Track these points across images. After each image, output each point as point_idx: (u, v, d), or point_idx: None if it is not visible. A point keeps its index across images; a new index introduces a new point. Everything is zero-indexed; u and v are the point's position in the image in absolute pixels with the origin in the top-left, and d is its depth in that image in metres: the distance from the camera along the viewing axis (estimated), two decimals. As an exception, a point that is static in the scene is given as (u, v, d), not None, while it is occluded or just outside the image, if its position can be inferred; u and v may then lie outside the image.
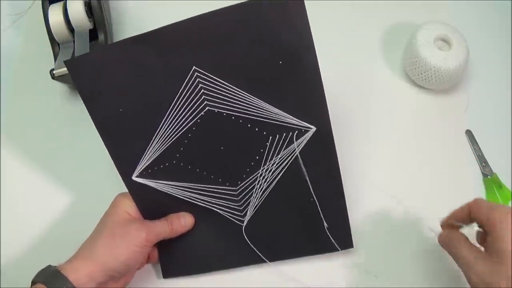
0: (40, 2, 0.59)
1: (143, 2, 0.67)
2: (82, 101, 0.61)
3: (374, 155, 0.58)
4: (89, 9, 0.59)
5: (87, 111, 0.61)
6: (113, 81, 0.47)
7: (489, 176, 0.57)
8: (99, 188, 0.58)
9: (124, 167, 0.49)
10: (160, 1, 0.67)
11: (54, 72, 0.56)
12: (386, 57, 0.63)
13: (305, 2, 0.65)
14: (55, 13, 0.58)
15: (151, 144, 0.49)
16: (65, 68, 0.55)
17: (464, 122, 0.60)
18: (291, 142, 0.49)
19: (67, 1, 0.58)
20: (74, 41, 0.59)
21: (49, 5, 0.59)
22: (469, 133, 0.59)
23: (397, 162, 0.58)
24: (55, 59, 0.59)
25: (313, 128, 0.48)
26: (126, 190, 0.51)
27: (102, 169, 0.58)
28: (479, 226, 0.42)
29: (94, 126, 0.60)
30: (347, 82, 0.61)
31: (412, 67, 0.59)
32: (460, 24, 0.61)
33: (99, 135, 0.49)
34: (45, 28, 0.59)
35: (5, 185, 0.58)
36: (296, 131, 0.48)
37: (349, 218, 0.51)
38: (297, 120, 0.48)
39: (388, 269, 0.53)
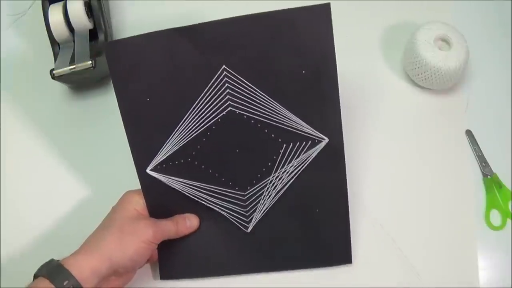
0: (40, 2, 0.59)
1: (143, 2, 0.67)
2: (81, 101, 0.62)
3: (373, 155, 0.58)
4: (89, 9, 0.59)
5: (86, 111, 0.61)
6: (147, 69, 0.48)
7: (489, 176, 0.57)
8: (99, 187, 0.58)
9: (141, 158, 0.50)
10: (160, 1, 0.67)
11: (54, 72, 0.56)
12: (386, 57, 0.63)
13: (306, 2, 0.65)
14: (55, 13, 0.58)
15: (170, 139, 0.49)
16: (65, 68, 0.56)
17: (464, 122, 0.60)
18: (303, 151, 0.49)
19: (67, 1, 0.58)
20: (74, 41, 0.59)
21: (49, 5, 0.59)
22: (469, 133, 0.59)
23: (396, 162, 0.58)
24: (55, 59, 0.59)
25: (326, 140, 0.49)
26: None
27: (102, 168, 0.58)
28: None
29: (93, 127, 0.60)
30: (346, 82, 0.60)
31: (412, 67, 0.59)
32: (460, 24, 0.60)
33: (122, 123, 0.49)
34: (45, 28, 0.59)
35: (5, 184, 0.58)
36: (310, 141, 0.49)
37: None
38: (312, 129, 0.49)
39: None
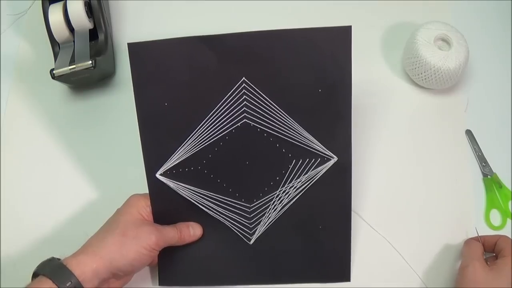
0: (40, 2, 0.59)
1: (143, 2, 0.67)
2: (81, 101, 0.62)
3: (373, 155, 0.58)
4: (89, 9, 0.59)
5: (86, 111, 0.61)
6: (168, 74, 0.48)
7: (489, 176, 0.57)
8: (100, 188, 0.58)
9: (152, 162, 0.50)
10: (160, 1, 0.67)
11: (54, 72, 0.56)
12: (386, 57, 0.63)
13: (306, 2, 0.66)
14: (55, 13, 0.58)
15: (183, 145, 0.49)
16: (65, 68, 0.56)
17: (464, 122, 0.60)
18: (312, 168, 0.50)
19: (67, 1, 0.58)
20: (74, 41, 0.59)
21: (49, 5, 0.59)
22: (469, 133, 0.59)
23: (397, 162, 0.58)
24: (55, 59, 0.58)
25: (335, 158, 0.50)
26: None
27: (102, 169, 0.58)
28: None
29: (93, 127, 0.60)
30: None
31: (412, 67, 0.59)
32: (460, 24, 0.60)
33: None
34: (45, 28, 0.58)
35: (5, 185, 0.58)
36: (319, 159, 0.50)
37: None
38: (323, 147, 0.49)
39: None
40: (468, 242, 0.52)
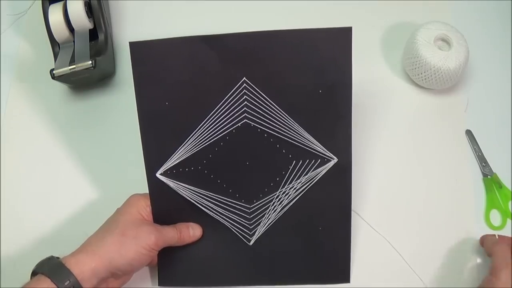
0: (40, 2, 0.59)
1: (143, 2, 0.67)
2: (81, 101, 0.62)
3: (373, 155, 0.58)
4: (89, 9, 0.59)
5: (86, 111, 0.61)
6: (169, 73, 0.48)
7: (489, 176, 0.57)
8: (99, 188, 0.58)
9: (152, 161, 0.50)
10: (160, 1, 0.67)
11: (54, 72, 0.56)
12: (386, 57, 0.63)
13: (306, 2, 0.66)
14: (55, 13, 0.58)
15: (184, 145, 0.49)
16: (65, 68, 0.56)
17: (464, 122, 0.60)
18: (312, 169, 0.50)
19: (67, 1, 0.58)
20: (74, 41, 0.59)
21: (49, 5, 0.59)
22: (469, 133, 0.59)
23: (397, 162, 0.58)
24: (55, 59, 0.58)
25: (335, 159, 0.50)
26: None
27: (101, 169, 0.58)
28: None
29: (93, 127, 0.60)
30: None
31: (412, 67, 0.59)
32: (460, 24, 0.60)
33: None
34: (45, 28, 0.59)
35: (5, 185, 0.58)
36: (319, 159, 0.50)
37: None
38: (323, 148, 0.49)
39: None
40: (500, 243, 0.50)
